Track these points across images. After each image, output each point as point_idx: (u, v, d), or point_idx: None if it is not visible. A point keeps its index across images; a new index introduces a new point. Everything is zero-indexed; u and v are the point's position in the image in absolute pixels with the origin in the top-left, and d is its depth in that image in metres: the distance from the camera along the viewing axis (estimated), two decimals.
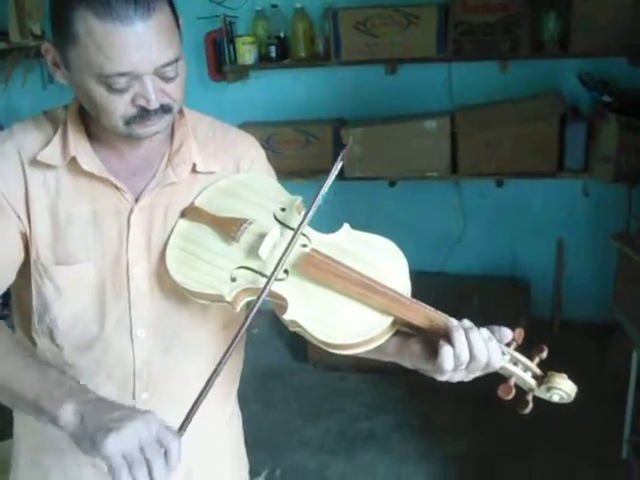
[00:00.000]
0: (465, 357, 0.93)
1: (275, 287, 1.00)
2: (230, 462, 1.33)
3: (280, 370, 3.51)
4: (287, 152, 3.50)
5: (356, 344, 0.97)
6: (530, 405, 0.95)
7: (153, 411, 0.91)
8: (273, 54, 3.46)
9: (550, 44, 3.16)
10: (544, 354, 0.98)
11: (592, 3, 3.04)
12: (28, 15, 3.55)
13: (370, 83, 3.53)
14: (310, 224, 1.06)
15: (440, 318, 0.97)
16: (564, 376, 0.95)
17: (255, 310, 0.97)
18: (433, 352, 0.95)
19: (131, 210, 1.09)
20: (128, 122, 1.00)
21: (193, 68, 3.59)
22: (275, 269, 0.99)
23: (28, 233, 1.07)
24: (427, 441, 2.90)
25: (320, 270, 1.00)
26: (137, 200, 1.09)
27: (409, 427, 2.99)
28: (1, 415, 1.35)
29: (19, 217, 1.06)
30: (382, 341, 0.99)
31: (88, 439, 0.87)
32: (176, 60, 0.98)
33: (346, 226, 1.07)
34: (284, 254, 1.00)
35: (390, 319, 0.97)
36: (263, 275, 1.02)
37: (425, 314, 0.97)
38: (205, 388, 0.93)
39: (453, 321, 0.96)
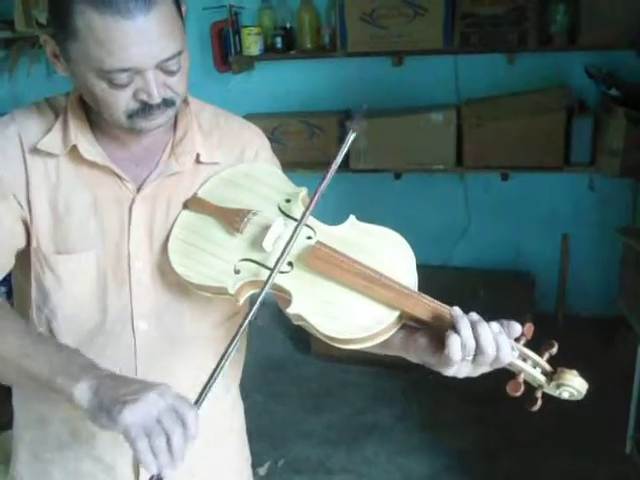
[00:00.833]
0: (472, 346, 0.91)
1: (279, 280, 0.98)
2: (233, 453, 1.33)
3: (283, 362, 3.51)
4: (292, 144, 3.49)
5: (362, 339, 0.95)
6: (539, 402, 0.93)
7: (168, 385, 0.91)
8: (279, 45, 3.44)
9: (558, 37, 3.13)
10: (554, 350, 0.95)
11: None
12: (33, 4, 3.54)
13: (376, 75, 3.51)
14: (315, 216, 1.04)
15: (446, 310, 0.95)
16: (574, 372, 0.93)
17: (259, 303, 0.96)
18: (439, 345, 0.93)
19: (133, 200, 1.08)
20: (130, 116, 0.98)
21: (198, 59, 3.58)
22: (278, 261, 0.97)
23: (29, 220, 1.06)
24: (430, 434, 2.90)
25: (325, 263, 0.98)
26: (139, 190, 1.08)
27: (412, 420, 2.99)
28: (3, 405, 1.35)
29: (20, 203, 1.05)
30: (388, 335, 0.97)
31: (104, 413, 0.87)
32: (179, 53, 0.96)
33: (352, 218, 1.05)
34: (287, 245, 0.98)
35: (396, 313, 0.95)
36: (267, 267, 1.00)
37: (431, 307, 0.95)
38: (218, 366, 0.93)
39: (458, 311, 0.94)
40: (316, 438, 2.93)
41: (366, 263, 0.98)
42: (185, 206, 1.10)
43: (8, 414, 1.27)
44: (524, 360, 0.94)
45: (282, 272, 0.99)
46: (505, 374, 0.95)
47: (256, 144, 1.18)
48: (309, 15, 3.40)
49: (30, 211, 1.06)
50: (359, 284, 0.96)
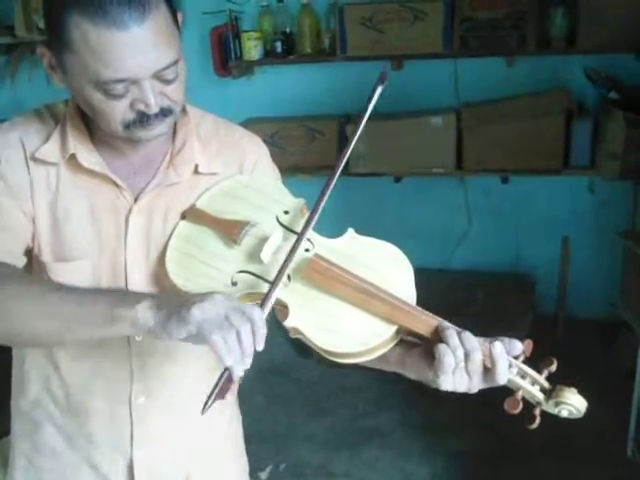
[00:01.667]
0: (460, 353, 0.90)
1: (277, 293, 0.97)
2: (230, 463, 1.33)
3: (284, 366, 3.50)
4: (292, 148, 3.49)
5: (358, 353, 0.94)
6: (538, 420, 0.92)
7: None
8: (279, 49, 3.45)
9: (557, 40, 3.14)
10: (553, 367, 0.94)
11: None
12: (34, 10, 3.54)
13: (376, 79, 3.51)
14: (315, 222, 1.03)
15: (441, 325, 0.94)
16: (573, 390, 0.92)
17: (264, 318, 0.94)
18: (434, 360, 0.93)
19: (130, 209, 1.07)
20: (127, 126, 0.98)
21: (198, 63, 3.58)
22: (277, 276, 0.96)
23: (34, 227, 1.06)
24: (431, 438, 2.90)
25: (323, 276, 0.97)
26: (136, 199, 1.08)
27: (413, 424, 2.99)
28: (2, 411, 1.35)
29: (27, 204, 1.05)
30: (385, 350, 0.96)
31: (174, 317, 0.85)
32: (175, 62, 0.95)
33: (350, 231, 1.04)
34: (287, 260, 0.97)
35: (394, 327, 0.95)
36: (264, 280, 0.99)
37: (430, 323, 0.94)
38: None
39: (444, 322, 0.94)
40: (317, 442, 2.93)
41: (364, 277, 0.97)
42: (183, 216, 1.09)
43: (7, 421, 1.27)
44: (523, 377, 0.93)
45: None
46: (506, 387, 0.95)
47: (256, 154, 1.17)
48: (309, 20, 3.41)
49: (34, 216, 1.06)
50: (357, 298, 0.96)
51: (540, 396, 0.93)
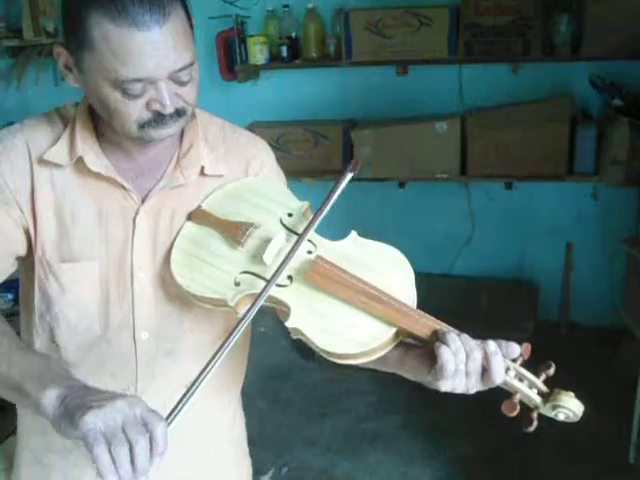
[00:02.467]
0: (462, 355, 0.91)
1: (278, 294, 0.98)
2: (233, 465, 1.33)
3: (287, 369, 3.51)
4: (297, 152, 3.51)
5: (358, 354, 0.95)
6: (535, 423, 0.92)
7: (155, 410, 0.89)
8: (284, 54, 3.46)
9: (562, 47, 3.15)
10: (551, 371, 0.95)
11: (605, 6, 3.02)
12: (41, 13, 3.57)
13: (381, 84, 3.53)
14: (319, 226, 1.04)
15: (444, 328, 0.95)
16: (571, 394, 0.92)
17: (252, 315, 0.96)
18: (434, 362, 0.93)
19: (137, 211, 1.08)
20: (142, 126, 0.99)
21: (204, 67, 3.56)
22: (275, 273, 0.97)
23: (32, 229, 1.07)
24: (433, 442, 2.90)
25: (324, 278, 0.98)
26: (143, 201, 1.09)
27: (415, 427, 2.99)
28: (6, 412, 1.36)
29: (22, 211, 1.06)
30: (385, 352, 0.97)
31: (68, 418, 0.82)
32: (191, 64, 0.97)
33: (353, 233, 1.05)
34: (286, 259, 0.99)
35: (393, 329, 0.95)
36: (266, 280, 1.00)
37: (429, 325, 0.95)
38: (198, 379, 0.90)
39: (444, 326, 0.95)
40: (319, 446, 2.93)
41: (365, 279, 0.98)
42: (189, 218, 1.11)
43: (13, 422, 1.28)
44: (520, 380, 0.93)
45: (281, 286, 0.99)
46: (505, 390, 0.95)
47: (261, 158, 1.19)
48: (314, 24, 3.43)
49: (35, 220, 1.07)
50: (357, 300, 0.97)
51: (537, 399, 0.93)
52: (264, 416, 3.07)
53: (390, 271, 1.01)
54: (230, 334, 0.95)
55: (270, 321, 3.56)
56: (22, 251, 1.09)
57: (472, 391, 0.95)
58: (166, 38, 0.93)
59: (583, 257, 3.52)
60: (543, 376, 0.95)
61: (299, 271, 1.00)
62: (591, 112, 3.30)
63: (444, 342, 0.92)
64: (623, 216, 3.37)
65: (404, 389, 3.18)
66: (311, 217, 1.05)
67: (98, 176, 1.07)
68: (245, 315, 0.96)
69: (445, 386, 0.93)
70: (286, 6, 3.47)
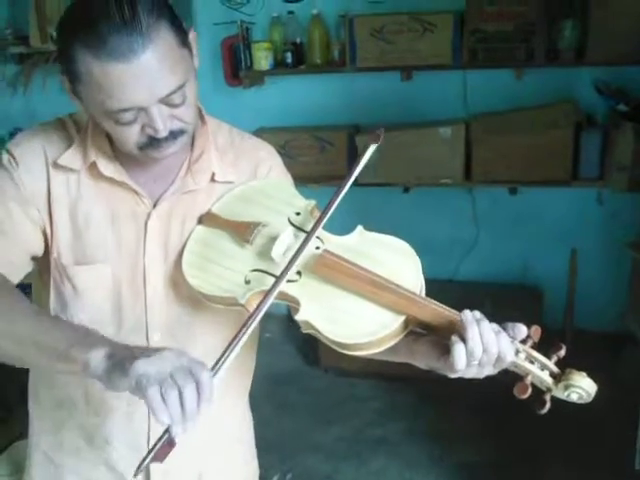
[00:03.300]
0: (479, 352, 0.91)
1: (287, 288, 1.00)
2: (241, 466, 1.34)
3: (292, 375, 3.51)
4: (302, 158, 3.51)
5: (368, 343, 0.96)
6: (547, 405, 0.92)
7: None
8: (289, 60, 3.47)
9: (566, 52, 3.15)
10: (562, 352, 0.95)
11: (609, 11, 3.02)
12: (48, 20, 3.59)
13: (385, 90, 3.54)
14: (323, 229, 1.06)
15: (453, 315, 0.95)
16: (583, 374, 0.92)
17: (265, 309, 0.96)
18: (445, 350, 0.94)
19: (149, 215, 1.11)
20: (141, 148, 1.01)
21: (209, 73, 3.62)
22: (285, 269, 0.99)
23: (49, 231, 1.09)
24: (438, 447, 2.89)
25: (332, 270, 1.00)
26: (155, 205, 1.11)
27: (420, 433, 2.99)
28: (13, 415, 1.37)
29: (39, 212, 1.08)
30: (395, 341, 0.98)
31: (118, 369, 0.85)
32: (182, 86, 0.97)
33: (359, 228, 1.08)
34: (295, 255, 1.01)
35: (402, 317, 0.96)
36: (276, 277, 1.02)
37: (437, 312, 0.96)
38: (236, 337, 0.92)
39: (467, 315, 0.94)
40: (324, 451, 2.93)
41: (372, 269, 1.00)
42: (199, 221, 1.13)
43: (16, 429, 1.28)
44: (531, 362, 0.94)
45: (291, 281, 1.01)
46: (513, 380, 0.95)
47: (269, 162, 1.21)
48: (319, 30, 3.44)
49: (51, 223, 1.09)
50: (365, 289, 0.98)
51: (549, 380, 0.94)
52: (269, 421, 3.07)
53: (397, 260, 1.02)
54: (247, 320, 0.95)
55: (275, 327, 3.57)
56: (39, 251, 1.10)
57: (482, 376, 0.96)
58: (149, 66, 0.92)
59: (588, 262, 3.52)
60: (554, 358, 0.95)
61: (307, 265, 1.02)
62: (596, 117, 3.30)
63: (462, 338, 0.92)
64: (628, 221, 3.36)
65: (409, 395, 3.19)
66: (318, 214, 1.07)
67: (111, 181, 1.09)
68: (258, 307, 0.97)
69: (455, 374, 0.95)
70: (291, 12, 3.48)
